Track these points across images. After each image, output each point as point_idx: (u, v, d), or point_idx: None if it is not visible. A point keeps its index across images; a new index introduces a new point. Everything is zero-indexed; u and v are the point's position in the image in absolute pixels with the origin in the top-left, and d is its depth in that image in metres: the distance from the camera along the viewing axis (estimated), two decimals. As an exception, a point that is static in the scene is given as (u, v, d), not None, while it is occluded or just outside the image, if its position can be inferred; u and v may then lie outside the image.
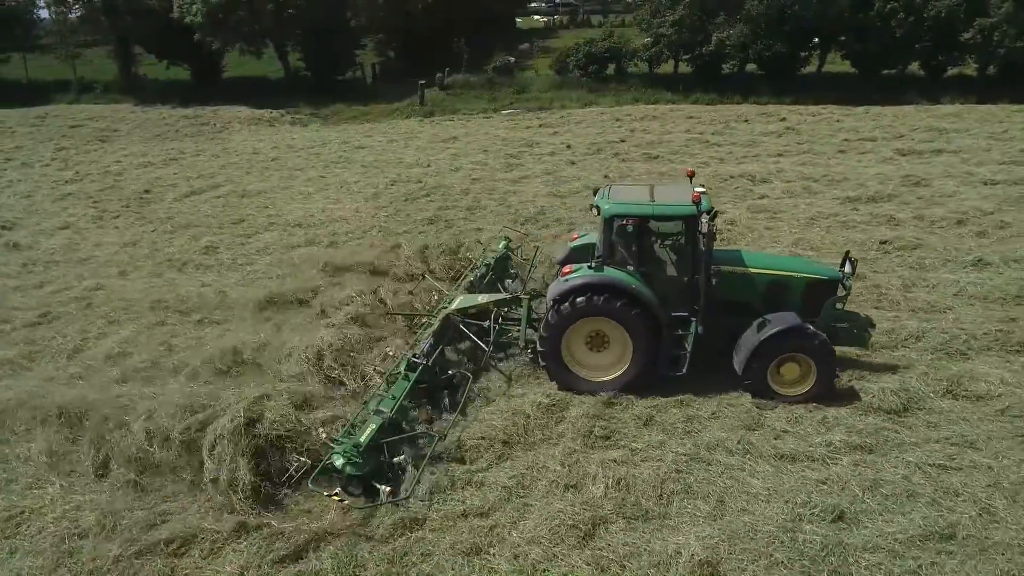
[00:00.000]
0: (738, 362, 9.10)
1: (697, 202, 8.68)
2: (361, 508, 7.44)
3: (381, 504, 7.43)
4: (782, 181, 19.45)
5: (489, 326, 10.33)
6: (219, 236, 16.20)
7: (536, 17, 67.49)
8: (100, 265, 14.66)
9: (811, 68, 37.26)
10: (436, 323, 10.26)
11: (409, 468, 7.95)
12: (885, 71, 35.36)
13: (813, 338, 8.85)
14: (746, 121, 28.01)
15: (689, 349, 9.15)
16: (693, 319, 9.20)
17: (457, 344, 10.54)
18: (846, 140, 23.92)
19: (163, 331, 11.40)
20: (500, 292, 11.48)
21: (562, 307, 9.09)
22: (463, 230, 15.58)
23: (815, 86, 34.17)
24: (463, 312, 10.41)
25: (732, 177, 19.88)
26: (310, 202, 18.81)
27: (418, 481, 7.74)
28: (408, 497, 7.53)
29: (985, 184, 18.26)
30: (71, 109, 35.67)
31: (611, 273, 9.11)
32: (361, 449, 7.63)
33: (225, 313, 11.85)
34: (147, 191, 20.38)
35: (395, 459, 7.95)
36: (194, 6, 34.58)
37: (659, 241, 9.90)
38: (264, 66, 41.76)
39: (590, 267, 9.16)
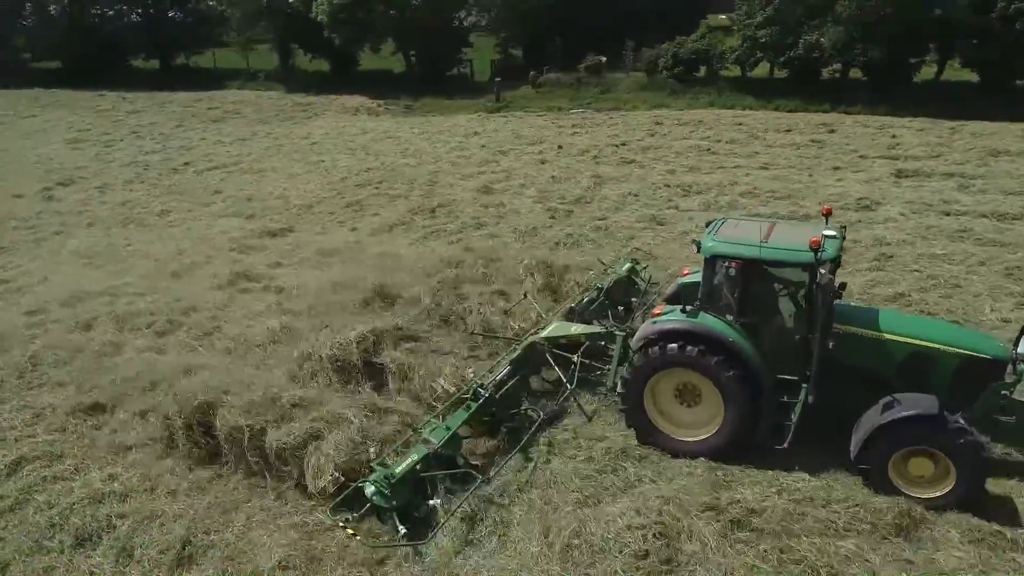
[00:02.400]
0: (854, 443, 7.51)
1: (816, 248, 7.17)
2: (373, 546, 7.04)
3: (395, 546, 6.99)
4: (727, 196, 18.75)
5: (576, 361, 9.31)
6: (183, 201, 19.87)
7: (722, 16, 65.46)
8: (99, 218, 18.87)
9: (929, 76, 33.28)
10: (518, 350, 9.50)
11: (441, 510, 7.34)
12: (1020, 81, 30.68)
13: (956, 434, 7.05)
14: (788, 131, 26.33)
15: (795, 420, 7.81)
16: (804, 385, 7.82)
17: (543, 377, 9.76)
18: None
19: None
20: (608, 321, 10.58)
21: (651, 351, 8.11)
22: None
23: (929, 96, 30.55)
24: (552, 342, 9.56)
25: (670, 186, 19.54)
26: (273, 182, 21.88)
27: (442, 526, 7.13)
28: (427, 542, 6.99)
29: None
30: (228, 94, 42.68)
31: (707, 321, 7.97)
32: (393, 480, 7.20)
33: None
34: (186, 163, 24.88)
35: (431, 501, 7.45)
36: (321, 5, 39.66)
37: (774, 290, 8.43)
38: (396, 61, 46.31)
39: (684, 311, 8.07)
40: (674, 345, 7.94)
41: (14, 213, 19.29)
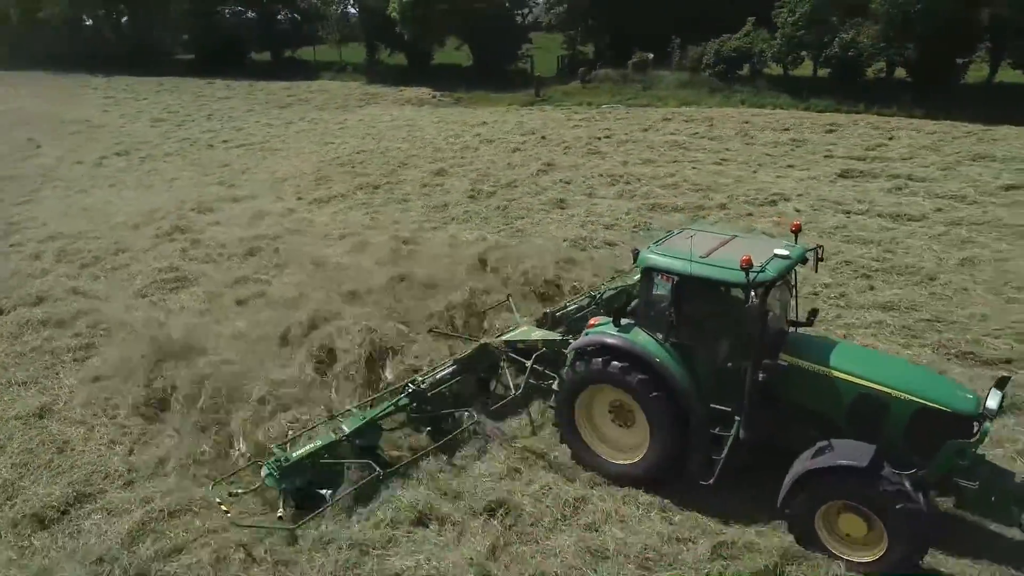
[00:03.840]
0: (783, 488, 6.69)
1: (746, 268, 6.44)
2: (239, 524, 7.10)
3: (261, 527, 7.09)
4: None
5: (528, 367, 9.00)
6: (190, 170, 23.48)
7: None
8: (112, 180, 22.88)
9: (980, 77, 31.29)
10: (468, 350, 9.39)
11: (328, 499, 7.40)
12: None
13: (891, 494, 6.11)
14: (785, 129, 26.19)
15: (723, 455, 7.05)
16: (738, 418, 7.11)
17: (500, 380, 9.52)
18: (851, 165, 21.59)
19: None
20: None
21: (577, 365, 7.73)
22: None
23: (978, 98, 28.97)
24: (510, 345, 9.35)
25: (603, 175, 20.64)
26: (277, 159, 25.04)
27: (317, 514, 7.21)
28: (297, 528, 7.04)
29: None
30: (313, 84, 47.17)
31: (637, 338, 7.40)
32: (286, 464, 7.35)
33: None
34: (224, 141, 28.78)
35: (322, 489, 7.53)
36: (393, 3, 43.13)
37: (709, 311, 7.53)
38: (466, 56, 49.04)
39: (617, 324, 7.59)
40: (599, 360, 7.44)
41: (61, 175, 23.70)
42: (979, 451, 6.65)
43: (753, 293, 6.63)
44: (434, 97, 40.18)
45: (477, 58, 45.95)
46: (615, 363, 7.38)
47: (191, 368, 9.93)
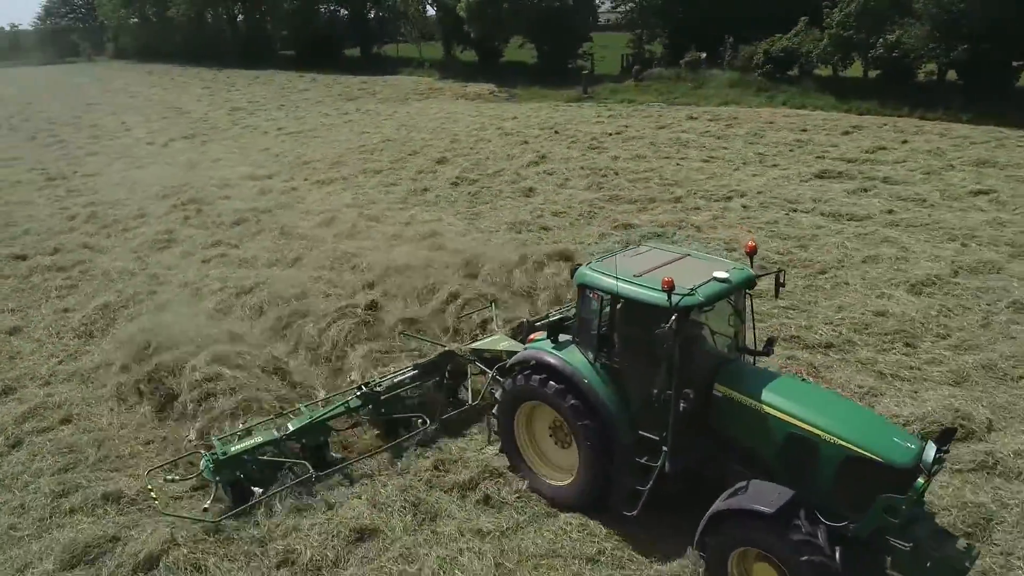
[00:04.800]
0: (699, 526, 6.30)
1: (667, 290, 6.16)
2: (163, 512, 7.35)
3: (181, 517, 7.30)
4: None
5: (490, 377, 8.85)
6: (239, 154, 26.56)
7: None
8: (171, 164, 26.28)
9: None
10: (432, 355, 9.38)
11: (256, 496, 7.50)
12: None
13: (798, 545, 5.64)
14: (803, 130, 26.17)
15: (648, 487, 6.72)
16: (665, 448, 6.74)
17: (465, 387, 9.36)
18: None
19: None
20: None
21: (517, 379, 7.53)
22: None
23: None
24: (476, 353, 9.20)
25: (583, 168, 21.76)
26: (313, 145, 27.70)
27: (240, 511, 7.34)
28: (218, 521, 7.17)
29: None
30: (390, 79, 50.30)
31: (570, 357, 7.18)
32: (221, 458, 7.49)
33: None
34: (279, 128, 31.90)
35: (255, 487, 7.59)
36: (461, 3, 45.41)
37: (638, 333, 6.96)
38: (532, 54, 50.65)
39: (554, 341, 7.44)
40: (535, 377, 7.26)
41: (132, 152, 27.41)
42: (928, 506, 6.03)
43: (674, 317, 6.13)
44: (492, 93, 42.03)
45: (540, 56, 47.43)
46: (547, 381, 7.13)
47: (137, 312, 12.37)
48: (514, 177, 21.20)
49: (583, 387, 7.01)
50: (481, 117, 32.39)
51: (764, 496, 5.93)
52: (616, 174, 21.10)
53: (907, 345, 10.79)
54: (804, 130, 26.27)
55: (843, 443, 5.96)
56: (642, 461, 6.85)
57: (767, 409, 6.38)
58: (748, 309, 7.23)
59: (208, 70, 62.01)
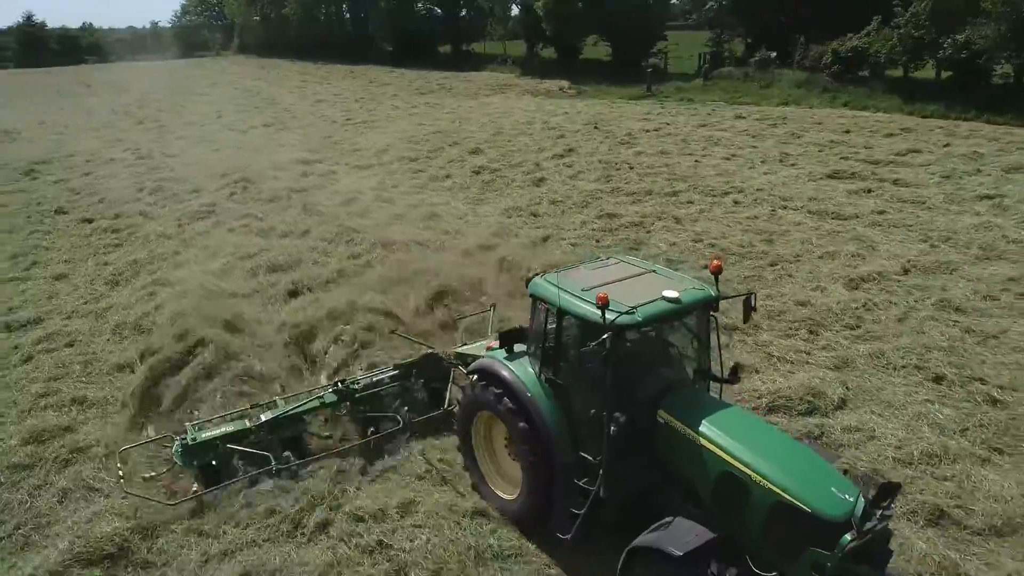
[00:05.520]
0: (621, 557, 6.01)
1: (601, 306, 5.83)
2: (126, 491, 7.52)
3: (139, 496, 7.49)
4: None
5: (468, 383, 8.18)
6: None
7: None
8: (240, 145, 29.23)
9: None
10: (415, 356, 9.37)
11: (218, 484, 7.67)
12: None
13: None
14: (846, 131, 25.83)
15: (583, 511, 6.40)
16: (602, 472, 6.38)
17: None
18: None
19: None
20: None
21: (473, 389, 7.40)
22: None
23: None
24: (462, 358, 8.93)
25: (594, 158, 22.66)
26: (372, 134, 29.94)
27: (192, 498, 7.55)
28: (174, 504, 7.46)
29: None
30: (472, 75, 52.42)
31: (519, 369, 6.98)
32: (190, 444, 7.73)
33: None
34: (348, 119, 34.50)
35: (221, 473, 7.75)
36: (538, 2, 46.81)
37: (581, 351, 6.75)
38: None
39: (508, 351, 7.29)
40: (489, 387, 7.06)
41: (215, 137, 30.64)
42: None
43: (607, 336, 5.84)
44: (561, 89, 43.15)
45: (615, 53, 48.05)
46: (495, 392, 6.96)
47: (157, 267, 14.74)
48: (532, 168, 22.40)
49: (526, 401, 6.75)
50: (535, 112, 33.65)
51: (679, 536, 5.63)
52: (630, 168, 21.88)
53: (810, 332, 11.29)
54: (847, 131, 25.87)
55: (773, 487, 5.45)
56: (581, 483, 6.47)
57: (703, 442, 5.94)
58: (712, 332, 6.74)
59: (313, 64, 66.58)
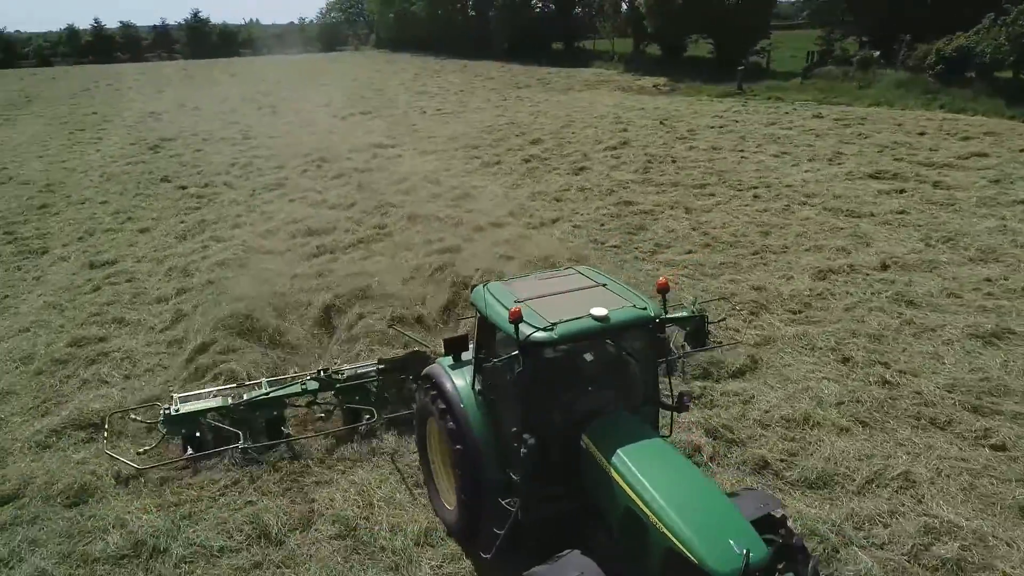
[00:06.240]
0: None
1: (514, 320, 5.53)
2: (110, 455, 8.15)
3: (116, 459, 8.08)
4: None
5: None
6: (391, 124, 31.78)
7: None
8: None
9: None
10: (403, 352, 9.42)
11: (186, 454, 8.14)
12: None
13: None
14: (921, 133, 25.02)
15: (503, 532, 6.04)
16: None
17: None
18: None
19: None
20: None
21: (423, 394, 7.13)
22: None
23: None
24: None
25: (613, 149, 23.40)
26: (451, 123, 32.01)
27: (159, 466, 8.01)
28: (144, 469, 7.96)
29: None
30: (575, 70, 53.68)
31: (457, 377, 6.66)
32: (171, 415, 8.22)
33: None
34: (438, 110, 36.85)
35: (194, 445, 8.21)
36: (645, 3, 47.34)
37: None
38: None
39: (455, 359, 6.96)
40: (430, 392, 6.89)
41: (313, 121, 33.86)
42: None
43: (516, 352, 5.67)
44: (656, 86, 43.54)
45: (717, 51, 47.61)
46: (435, 399, 6.74)
47: (219, 227, 17.45)
48: (579, 158, 23.52)
49: (458, 413, 6.50)
50: (614, 107, 34.50)
51: (565, 573, 5.33)
52: (672, 161, 22.51)
53: (752, 314, 11.90)
54: (922, 134, 25.04)
55: (667, 532, 5.13)
56: (504, 503, 6.19)
57: (613, 473, 5.60)
58: (656, 355, 6.41)
59: (434, 59, 70.17)
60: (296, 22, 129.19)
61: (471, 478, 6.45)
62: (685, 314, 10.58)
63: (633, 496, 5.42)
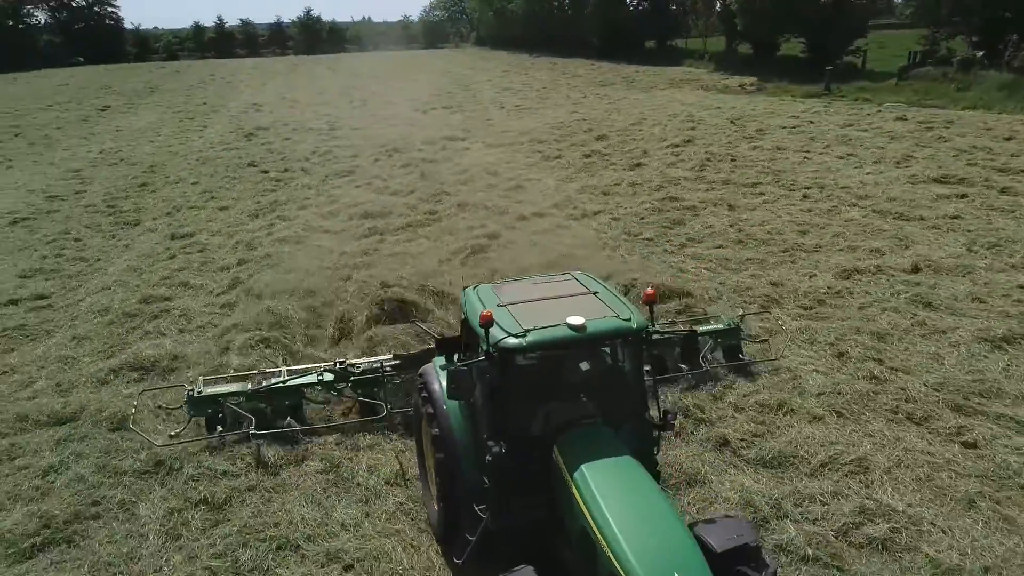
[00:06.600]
0: None
1: (484, 324, 5.54)
2: (139, 433, 8.44)
3: (144, 436, 8.39)
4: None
5: None
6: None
7: None
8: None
9: None
10: (417, 349, 9.44)
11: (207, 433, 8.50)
12: None
13: None
14: (993, 129, 23.84)
15: (475, 538, 5.98)
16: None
17: None
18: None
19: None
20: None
21: (417, 393, 7.06)
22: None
23: None
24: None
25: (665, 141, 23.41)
26: (523, 119, 32.86)
27: (184, 443, 8.41)
28: (160, 446, 8.35)
29: None
30: (661, 69, 53.38)
31: (449, 382, 5.80)
32: (195, 397, 8.58)
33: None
34: (517, 105, 37.79)
35: (216, 426, 8.53)
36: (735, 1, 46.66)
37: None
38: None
39: (450, 359, 6.76)
40: (424, 394, 6.81)
41: (395, 115, 35.55)
42: None
43: (483, 357, 5.70)
44: (741, 86, 42.78)
45: (810, 51, 46.17)
46: (427, 403, 6.72)
47: (288, 207, 19.04)
48: (639, 155, 23.83)
49: (441, 415, 6.48)
50: (690, 106, 34.34)
51: None
52: (731, 160, 22.47)
53: (762, 307, 12.09)
54: (1009, 139, 23.74)
55: (612, 556, 4.96)
56: (478, 509, 6.07)
57: (574, 489, 5.45)
58: (645, 367, 6.28)
59: (529, 57, 71.32)
60: (404, 19, 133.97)
61: (450, 481, 6.38)
62: (720, 326, 10.31)
63: (587, 515, 5.25)
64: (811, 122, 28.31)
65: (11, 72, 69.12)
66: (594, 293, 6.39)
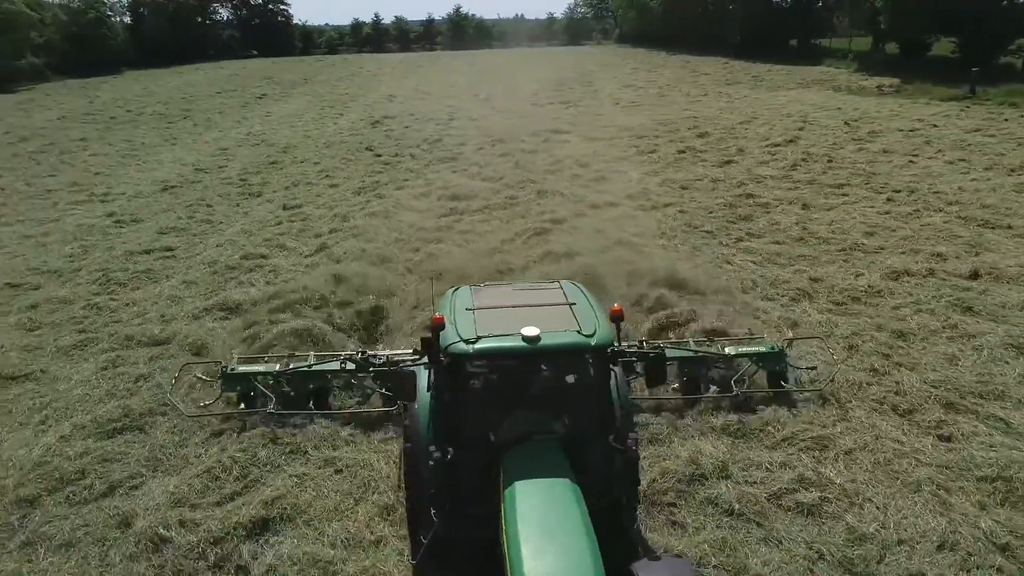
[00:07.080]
0: None
1: (434, 328, 5.57)
2: (169, 399, 9.30)
3: (171, 402, 9.28)
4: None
5: None
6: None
7: None
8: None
9: None
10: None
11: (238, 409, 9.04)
12: None
13: None
14: None
15: (427, 540, 5.79)
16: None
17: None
18: None
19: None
20: None
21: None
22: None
23: None
24: None
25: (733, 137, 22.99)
26: (593, 116, 33.31)
27: (209, 416, 9.04)
28: (189, 416, 9.04)
29: None
30: (793, 68, 51.37)
31: (422, 379, 6.25)
32: (228, 374, 9.21)
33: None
34: (633, 102, 38.18)
35: (243, 403, 9.05)
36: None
37: None
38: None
39: (429, 357, 6.36)
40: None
41: (497, 108, 37.06)
42: None
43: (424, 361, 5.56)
44: (879, 88, 40.58)
45: (962, 51, 42.82)
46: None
47: (384, 191, 21.08)
48: (733, 153, 23.81)
49: (411, 413, 6.42)
50: (810, 106, 33.26)
51: None
52: (828, 160, 22.01)
53: (792, 300, 12.32)
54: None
55: (513, 571, 4.91)
56: (433, 513, 5.92)
57: (503, 504, 5.42)
58: (605, 384, 6.13)
59: (664, 54, 70.75)
60: (549, 16, 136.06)
61: (413, 481, 6.30)
62: (762, 349, 9.51)
63: (504, 531, 5.20)
64: (934, 126, 26.73)
65: (196, 63, 77.75)
66: (571, 305, 6.37)
